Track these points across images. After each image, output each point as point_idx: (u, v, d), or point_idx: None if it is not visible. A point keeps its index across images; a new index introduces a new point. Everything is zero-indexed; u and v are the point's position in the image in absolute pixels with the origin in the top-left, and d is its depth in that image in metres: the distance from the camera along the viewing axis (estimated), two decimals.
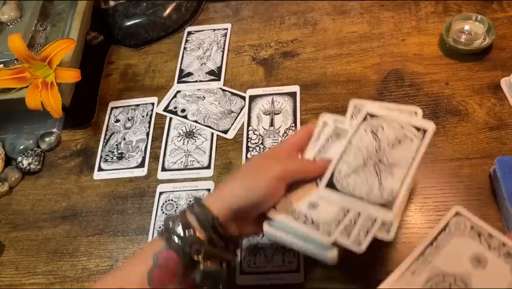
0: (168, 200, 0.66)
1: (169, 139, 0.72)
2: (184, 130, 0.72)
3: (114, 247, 0.63)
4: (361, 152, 0.50)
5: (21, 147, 0.72)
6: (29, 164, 0.71)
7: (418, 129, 0.49)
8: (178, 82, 0.78)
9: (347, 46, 0.76)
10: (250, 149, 0.68)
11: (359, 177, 0.48)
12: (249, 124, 0.71)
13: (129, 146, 0.72)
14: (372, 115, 0.51)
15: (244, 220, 0.47)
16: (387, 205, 0.46)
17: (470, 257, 0.39)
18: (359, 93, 0.70)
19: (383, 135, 0.50)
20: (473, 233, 0.40)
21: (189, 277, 0.43)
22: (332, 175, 0.49)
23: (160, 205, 0.65)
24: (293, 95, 0.72)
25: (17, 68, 0.66)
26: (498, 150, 0.61)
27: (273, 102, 0.73)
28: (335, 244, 0.44)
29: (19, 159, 0.71)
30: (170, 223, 0.44)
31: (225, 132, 0.71)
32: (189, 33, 0.85)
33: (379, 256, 0.56)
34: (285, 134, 0.68)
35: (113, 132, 0.75)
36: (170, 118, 0.74)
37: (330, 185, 0.49)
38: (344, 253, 0.44)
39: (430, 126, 0.49)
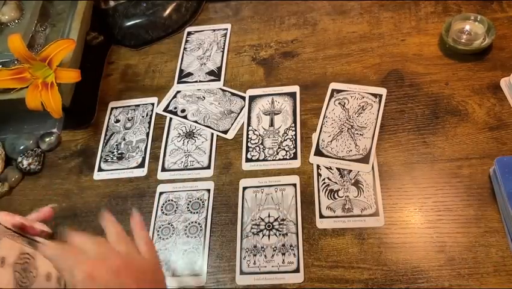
0: (168, 200, 0.66)
1: (169, 140, 0.72)
2: (184, 130, 0.72)
3: None
4: (336, 122, 0.65)
5: (22, 147, 0.72)
6: (29, 164, 0.71)
7: (375, 95, 0.66)
8: (178, 82, 0.78)
9: (347, 46, 0.76)
10: (250, 149, 0.68)
11: (339, 142, 0.63)
12: (248, 125, 0.71)
13: (129, 146, 0.72)
14: (338, 91, 0.67)
15: None
16: (364, 159, 0.61)
17: None
18: None
19: (349, 105, 0.66)
20: None
21: None
22: (317, 145, 0.63)
23: (160, 205, 0.65)
24: (292, 95, 0.72)
25: (17, 69, 0.66)
26: (498, 150, 0.61)
27: (273, 102, 0.73)
28: None
29: (19, 159, 0.71)
30: None
31: (225, 132, 0.71)
32: (189, 33, 0.85)
33: (379, 256, 0.56)
34: (285, 134, 0.68)
35: (113, 133, 0.75)
36: (170, 119, 0.74)
37: (318, 153, 0.63)
38: None
39: (383, 91, 0.66)
